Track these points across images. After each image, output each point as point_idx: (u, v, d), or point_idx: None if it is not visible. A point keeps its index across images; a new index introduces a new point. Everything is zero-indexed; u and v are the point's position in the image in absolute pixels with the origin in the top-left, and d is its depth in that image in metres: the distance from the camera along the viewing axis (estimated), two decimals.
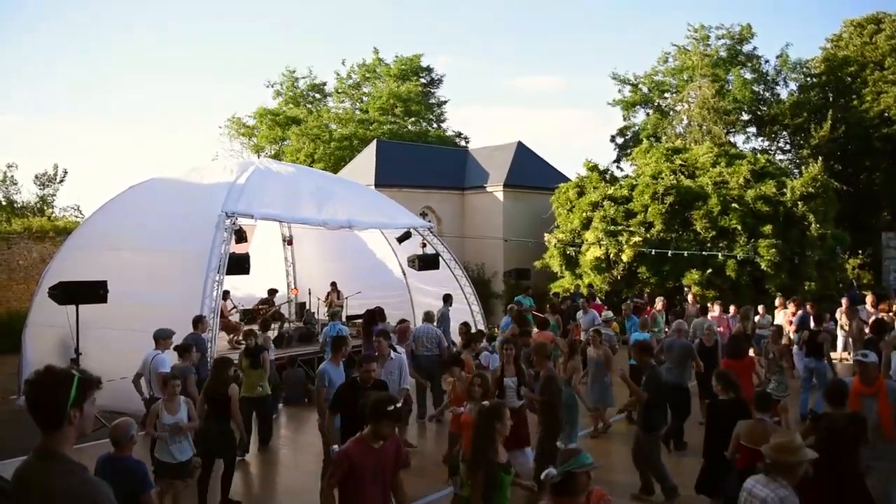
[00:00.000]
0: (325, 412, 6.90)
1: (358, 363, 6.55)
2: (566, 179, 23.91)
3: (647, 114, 33.54)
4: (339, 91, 41.16)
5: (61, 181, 29.30)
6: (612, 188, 20.96)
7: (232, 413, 7.14)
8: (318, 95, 42.24)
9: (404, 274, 17.35)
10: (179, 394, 6.85)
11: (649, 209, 19.42)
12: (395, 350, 8.49)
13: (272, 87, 40.91)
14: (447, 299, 13.85)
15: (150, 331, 8.95)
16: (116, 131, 63.73)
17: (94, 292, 10.00)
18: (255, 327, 12.56)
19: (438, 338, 11.01)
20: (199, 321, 9.90)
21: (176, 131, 66.68)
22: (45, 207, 28.63)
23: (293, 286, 19.07)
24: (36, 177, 29.01)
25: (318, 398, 7.47)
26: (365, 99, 40.41)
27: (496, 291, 23.98)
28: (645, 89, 33.50)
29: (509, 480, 4.53)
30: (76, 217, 26.89)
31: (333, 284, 17.07)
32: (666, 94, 33.01)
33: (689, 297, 15.32)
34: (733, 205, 18.95)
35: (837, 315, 13.83)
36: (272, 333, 13.14)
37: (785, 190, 19.52)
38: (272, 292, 16.72)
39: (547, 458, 6.09)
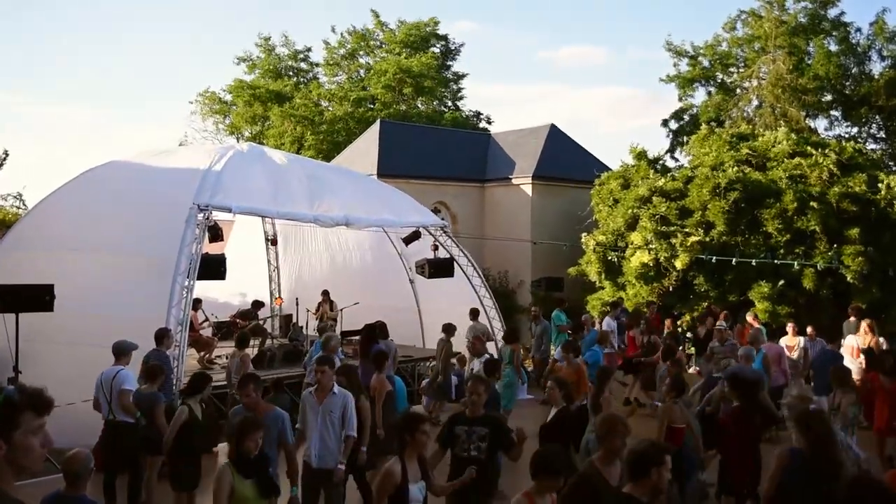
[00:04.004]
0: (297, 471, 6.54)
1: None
2: (608, 170, 23.79)
3: (709, 93, 33.34)
4: (330, 63, 41.24)
5: (1, 164, 29.50)
6: (664, 180, 20.82)
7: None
8: (303, 66, 42.38)
9: (411, 282, 17.31)
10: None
11: (709, 207, 19.26)
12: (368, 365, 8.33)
13: (244, 62, 41.04)
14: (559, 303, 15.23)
15: (106, 346, 8.95)
16: (69, 105, 64.42)
17: (37, 299, 10.01)
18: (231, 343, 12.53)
19: None
20: (163, 336, 9.90)
21: (139, 109, 67.34)
22: None
23: (277, 295, 19.08)
24: None
25: (287, 452, 6.61)
26: (363, 72, 40.51)
27: (522, 304, 23.86)
28: (706, 63, 33.30)
29: None
30: (18, 208, 27.04)
31: (325, 293, 17.06)
32: (732, 69, 32.78)
33: (749, 318, 15.19)
34: (812, 203, 18.73)
35: None
36: (252, 351, 13.13)
37: (878, 186, 19.27)
38: (257, 305, 16.66)
39: None
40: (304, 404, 7.16)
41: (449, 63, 40.73)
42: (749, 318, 14.71)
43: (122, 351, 8.85)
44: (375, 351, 10.05)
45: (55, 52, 64.10)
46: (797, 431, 5.82)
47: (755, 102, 30.18)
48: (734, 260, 17.87)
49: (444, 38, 40.48)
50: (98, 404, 8.69)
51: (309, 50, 42.05)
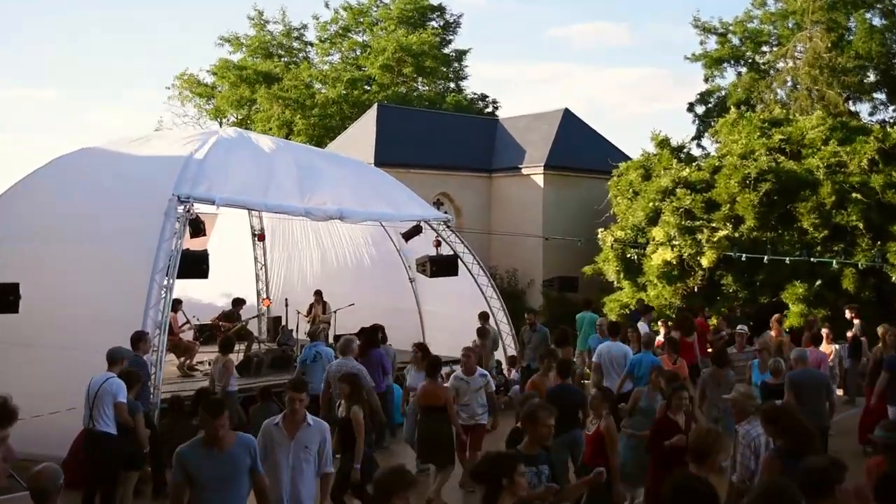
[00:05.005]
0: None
1: None
2: (627, 159, 23.77)
3: (739, 74, 33.27)
4: (322, 40, 41.28)
5: None
6: (689, 170, 20.81)
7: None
8: (296, 45, 42.41)
9: (412, 281, 17.32)
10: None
11: (738, 199, 19.26)
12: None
13: (229, 42, 41.01)
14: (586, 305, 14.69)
15: (76, 349, 8.98)
16: (34, 88, 64.46)
17: (1, 299, 10.00)
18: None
19: None
20: (139, 339, 9.91)
21: (114, 95, 67.35)
22: None
23: (265, 295, 19.10)
24: None
25: (259, 487, 5.84)
26: (358, 51, 40.55)
27: (532, 306, 23.82)
28: (736, 41, 33.24)
29: None
30: None
31: (318, 294, 17.09)
32: (764, 48, 32.69)
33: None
34: (853, 195, 18.71)
35: None
36: (236, 357, 13.14)
37: None
38: (238, 303, 16.76)
39: None
40: (268, 440, 6.28)
41: (448, 37, 40.61)
42: (774, 324, 14.58)
43: (115, 359, 8.89)
44: (431, 358, 10.12)
45: (14, 30, 64.23)
46: (767, 429, 6.20)
47: (790, 84, 30.11)
48: (766, 258, 17.84)
49: (441, 9, 40.30)
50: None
51: (304, 27, 42.14)
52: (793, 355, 10.50)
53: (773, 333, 13.93)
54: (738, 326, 14.34)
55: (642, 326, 14.97)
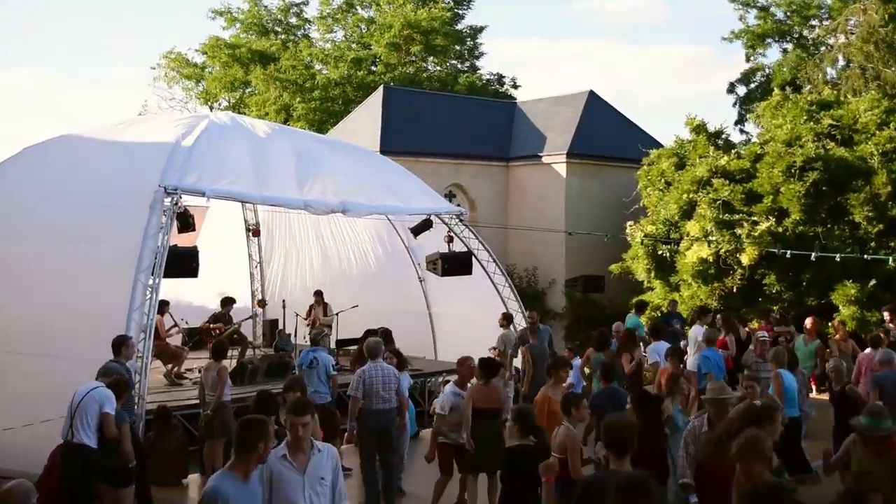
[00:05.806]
0: None
1: None
2: (659, 147, 23.71)
3: (784, 51, 33.15)
4: (324, 16, 41.35)
5: None
6: (727, 158, 20.75)
7: None
8: (295, 21, 42.50)
9: (421, 281, 17.35)
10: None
11: (782, 190, 19.19)
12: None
13: (221, 16, 41.05)
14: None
15: (52, 356, 8.99)
16: (7, 70, 64.83)
17: None
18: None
19: None
20: (121, 344, 9.89)
21: (93, 76, 67.63)
22: None
23: (260, 296, 19.15)
24: None
25: None
26: (363, 28, 40.60)
27: (554, 308, 23.82)
28: (780, 14, 33.11)
29: None
30: None
31: (318, 294, 17.15)
32: (812, 22, 32.53)
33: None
34: None
35: None
36: (229, 363, 13.18)
37: None
38: (227, 303, 16.85)
39: None
40: (277, 477, 5.63)
41: (461, 12, 40.56)
42: (808, 323, 14.48)
43: (108, 374, 9.04)
44: (486, 359, 10.01)
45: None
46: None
47: (841, 62, 29.90)
48: (813, 255, 17.72)
49: None
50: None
51: (305, 3, 42.21)
52: (878, 357, 10.68)
53: (837, 337, 13.95)
54: (759, 333, 14.20)
55: (699, 329, 14.94)
